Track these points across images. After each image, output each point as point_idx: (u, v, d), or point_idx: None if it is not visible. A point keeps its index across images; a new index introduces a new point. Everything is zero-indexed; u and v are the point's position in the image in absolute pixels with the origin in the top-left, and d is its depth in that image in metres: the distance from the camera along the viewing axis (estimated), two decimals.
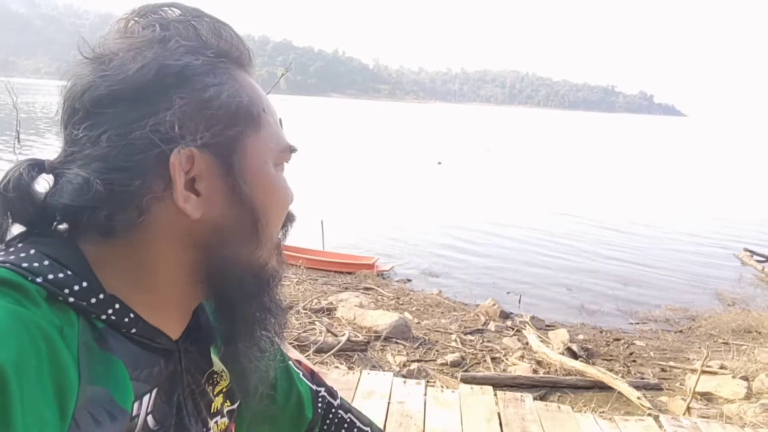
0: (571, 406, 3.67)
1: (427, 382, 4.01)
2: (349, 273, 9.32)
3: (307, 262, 9.12)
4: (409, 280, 9.56)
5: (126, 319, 0.58)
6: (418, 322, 6.80)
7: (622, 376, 5.44)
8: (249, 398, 0.76)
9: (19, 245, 0.59)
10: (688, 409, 4.65)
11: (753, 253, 12.18)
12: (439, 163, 26.81)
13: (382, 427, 2.66)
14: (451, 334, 6.48)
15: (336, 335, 5.75)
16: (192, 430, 0.63)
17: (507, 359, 5.82)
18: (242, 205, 0.61)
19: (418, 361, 5.55)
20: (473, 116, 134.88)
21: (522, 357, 5.88)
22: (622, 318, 8.27)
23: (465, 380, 4.94)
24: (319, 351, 5.30)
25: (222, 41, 0.62)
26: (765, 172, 35.26)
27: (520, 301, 8.58)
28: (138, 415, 0.58)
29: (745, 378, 5.27)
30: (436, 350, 5.93)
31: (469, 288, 9.35)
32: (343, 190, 18.25)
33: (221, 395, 0.74)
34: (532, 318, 7.41)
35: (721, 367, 5.70)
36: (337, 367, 4.82)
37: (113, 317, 0.57)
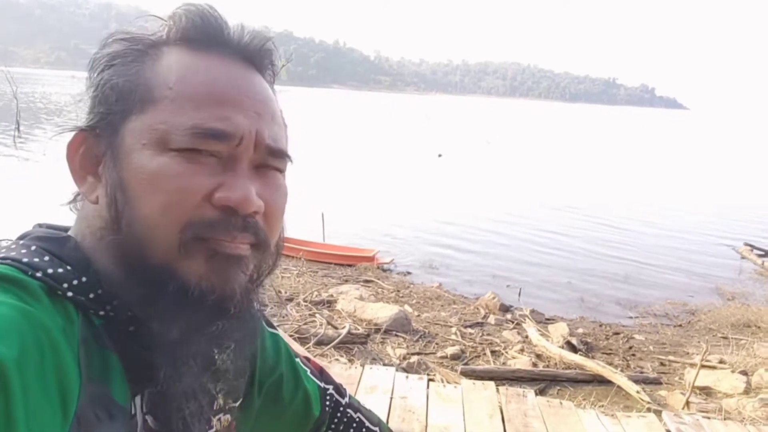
0: (571, 400, 3.68)
1: (428, 376, 4.01)
2: (350, 265, 9.33)
3: (307, 254, 9.13)
4: (409, 273, 9.56)
5: (124, 317, 0.58)
6: (418, 315, 6.81)
7: (622, 370, 5.45)
8: None
9: (20, 242, 0.60)
10: (687, 403, 4.66)
11: (753, 247, 12.18)
12: (440, 155, 26.76)
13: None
14: (451, 327, 6.48)
15: (336, 328, 5.76)
16: (194, 429, 0.62)
17: (507, 352, 5.83)
18: (109, 190, 0.59)
19: (418, 353, 5.55)
20: (474, 108, 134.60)
21: (522, 350, 5.89)
22: (621, 312, 8.28)
23: (465, 373, 4.95)
24: (320, 343, 5.30)
25: (183, 27, 0.61)
26: (765, 166, 35.21)
27: (519, 295, 8.59)
28: (136, 414, 0.58)
29: (744, 372, 5.28)
30: (436, 343, 5.94)
31: (469, 281, 9.36)
32: (344, 182, 18.23)
33: (224, 392, 0.73)
34: (532, 311, 7.42)
35: (721, 362, 5.72)
36: (337, 359, 4.83)
37: (111, 313, 0.57)
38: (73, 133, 0.62)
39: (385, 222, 13.19)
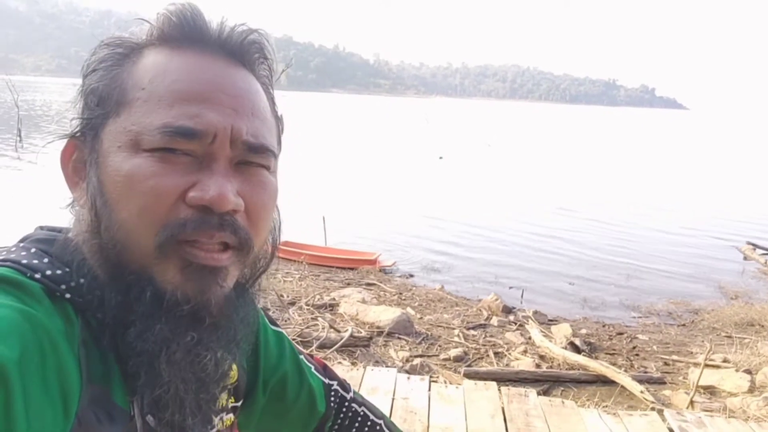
0: (575, 401, 3.67)
1: (431, 377, 4.00)
2: (352, 269, 9.32)
3: (309, 258, 9.13)
4: (412, 276, 9.55)
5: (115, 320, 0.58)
6: (421, 318, 6.80)
7: (625, 370, 5.43)
8: None
9: (21, 244, 0.60)
10: (692, 402, 4.64)
11: (756, 246, 12.15)
12: (441, 157, 26.76)
13: None
14: (453, 329, 6.47)
15: (339, 331, 5.75)
16: (195, 429, 0.62)
17: (510, 354, 5.82)
18: (89, 194, 0.59)
19: (421, 356, 5.55)
20: (474, 111, 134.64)
21: (525, 351, 5.87)
22: (624, 312, 8.26)
23: (468, 375, 4.94)
24: (322, 347, 5.30)
25: (161, 26, 0.61)
26: (766, 165, 35.15)
27: (522, 296, 8.57)
28: (135, 416, 0.58)
29: (749, 371, 5.26)
30: (439, 345, 5.93)
31: (471, 283, 9.34)
32: (345, 186, 18.22)
33: (226, 392, 0.74)
34: (535, 312, 7.40)
35: (724, 361, 5.70)
36: (340, 362, 4.83)
37: (114, 313, 0.57)
38: (66, 141, 0.63)
39: (386, 225, 13.18)
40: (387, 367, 4.59)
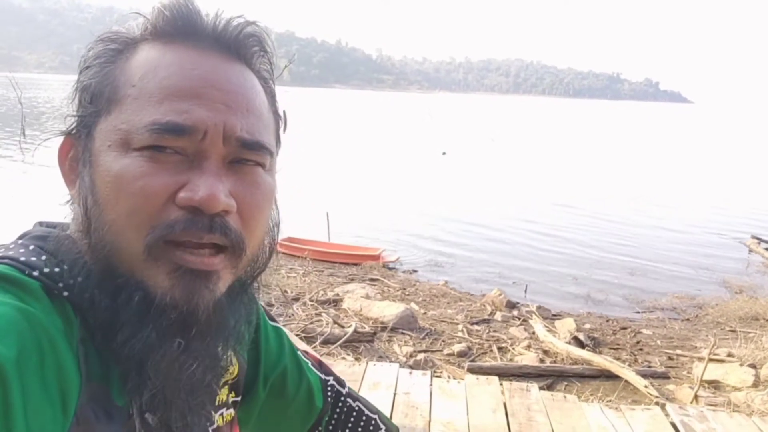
0: (578, 396, 3.67)
1: (434, 372, 4.01)
2: (355, 264, 9.33)
3: (312, 253, 9.14)
4: (415, 271, 9.56)
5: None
6: (425, 313, 6.81)
7: (629, 365, 5.42)
8: None
9: (19, 241, 0.60)
10: (696, 397, 4.64)
11: (761, 240, 12.11)
12: (444, 153, 26.73)
13: None
14: (457, 324, 6.48)
15: (342, 326, 5.76)
16: (195, 426, 0.62)
17: (513, 349, 5.82)
18: (81, 193, 0.58)
19: (425, 351, 5.55)
20: (478, 105, 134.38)
21: (528, 346, 5.87)
22: (628, 307, 8.25)
23: (471, 370, 4.94)
24: (326, 342, 5.31)
25: (154, 21, 0.60)
26: None
27: (526, 291, 8.57)
28: (134, 414, 0.58)
29: (753, 366, 5.25)
30: (443, 340, 5.93)
31: (475, 278, 9.34)
32: (349, 181, 18.22)
33: (226, 387, 0.74)
34: (539, 307, 7.40)
35: (729, 355, 5.68)
36: (344, 358, 4.84)
37: (105, 315, 0.56)
38: (63, 138, 0.63)
39: (390, 220, 13.18)
40: (390, 362, 4.60)
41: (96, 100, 0.58)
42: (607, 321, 7.31)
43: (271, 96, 0.66)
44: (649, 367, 5.60)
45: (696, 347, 6.24)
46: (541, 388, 3.55)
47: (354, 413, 0.94)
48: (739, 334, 6.58)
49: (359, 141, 32.60)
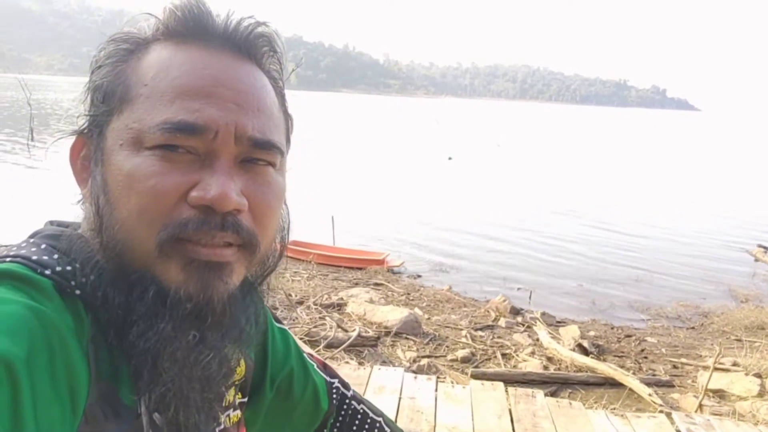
0: (583, 403, 3.65)
1: (438, 377, 4.00)
2: (360, 268, 9.32)
3: (317, 257, 9.14)
4: (419, 276, 9.55)
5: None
6: (429, 318, 6.79)
7: (634, 373, 5.40)
8: None
9: (31, 240, 0.60)
10: (700, 406, 4.61)
11: (767, 249, 12.04)
12: (450, 158, 26.71)
13: None
14: (461, 329, 6.46)
15: (346, 330, 5.76)
16: (201, 427, 0.62)
17: (517, 355, 5.80)
18: (93, 192, 0.59)
19: (429, 356, 5.54)
20: (484, 111, 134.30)
21: (532, 353, 5.85)
22: (633, 314, 8.21)
23: (475, 376, 4.93)
24: (330, 346, 5.30)
25: (166, 21, 0.61)
26: None
27: (530, 297, 8.54)
28: (142, 414, 0.58)
29: (758, 375, 5.22)
30: (447, 346, 5.92)
31: (479, 284, 9.32)
32: (354, 185, 18.23)
33: (233, 387, 0.74)
34: (543, 314, 7.37)
35: (734, 364, 5.65)
36: (347, 362, 4.83)
37: (119, 311, 0.57)
38: (75, 137, 0.63)
39: (395, 225, 13.18)
40: (394, 366, 4.59)
41: (108, 99, 0.59)
42: (612, 328, 7.28)
43: (281, 96, 0.66)
44: (654, 375, 5.57)
45: (701, 356, 6.20)
46: (545, 395, 3.53)
47: (359, 416, 0.94)
48: (745, 343, 6.54)
49: (365, 145, 32.61)
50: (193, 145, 0.56)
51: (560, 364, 5.61)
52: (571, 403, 3.38)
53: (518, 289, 9.06)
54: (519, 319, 7.18)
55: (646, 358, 6.12)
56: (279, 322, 0.88)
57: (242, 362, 0.75)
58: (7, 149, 20.74)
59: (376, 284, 8.29)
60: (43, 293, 0.53)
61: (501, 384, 3.58)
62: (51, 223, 0.65)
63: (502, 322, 6.92)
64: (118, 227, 0.55)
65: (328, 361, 1.08)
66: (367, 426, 0.94)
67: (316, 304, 6.54)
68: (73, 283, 0.56)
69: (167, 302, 0.55)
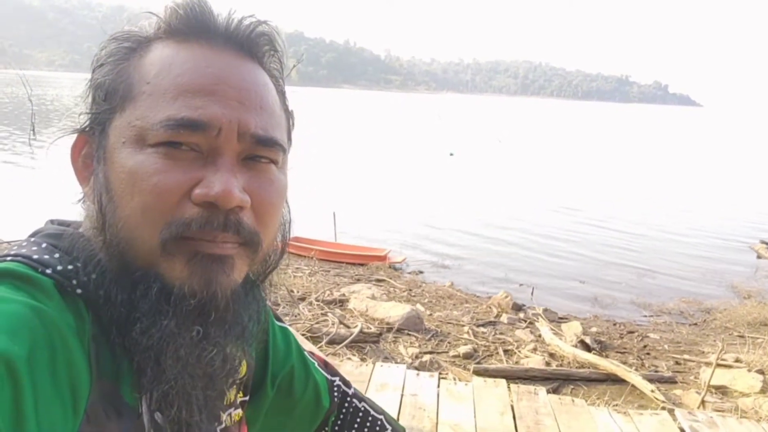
0: (585, 399, 3.65)
1: (440, 374, 4.00)
2: (362, 265, 9.33)
3: (319, 253, 9.14)
4: (421, 272, 9.55)
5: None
6: (431, 314, 6.80)
7: (636, 369, 5.40)
8: None
9: (32, 239, 0.60)
10: (703, 402, 4.61)
11: None
12: (451, 154, 26.71)
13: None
14: (463, 326, 6.46)
15: (348, 327, 5.76)
16: (203, 426, 0.62)
17: (519, 351, 5.80)
18: (96, 190, 0.59)
19: (431, 352, 5.54)
20: (485, 107, 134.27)
21: (535, 349, 5.85)
22: (635, 310, 8.21)
23: (477, 372, 4.93)
24: (332, 342, 5.31)
25: (168, 20, 0.61)
26: None
27: (532, 294, 8.53)
28: (143, 413, 0.58)
29: (761, 371, 5.22)
30: (449, 342, 5.92)
31: (481, 280, 9.32)
32: (356, 181, 18.24)
33: (234, 386, 0.73)
34: (545, 310, 7.37)
35: (737, 361, 5.65)
36: (349, 358, 4.84)
37: (121, 309, 0.57)
38: (76, 136, 0.63)
39: (397, 221, 13.18)
40: (396, 363, 4.59)
41: (110, 97, 0.59)
42: (614, 324, 7.28)
43: (282, 94, 0.67)
44: (656, 371, 5.57)
45: (703, 352, 6.20)
46: (547, 392, 3.53)
47: (360, 413, 0.94)
48: (748, 339, 6.54)
49: (367, 141, 32.63)
50: (196, 142, 0.56)
51: (562, 361, 5.61)
52: (573, 400, 3.38)
53: (520, 285, 9.05)
54: (521, 315, 7.18)
55: (648, 354, 6.13)
56: (280, 320, 0.88)
57: (244, 361, 0.75)
58: (8, 146, 20.74)
59: (378, 280, 8.30)
60: (44, 292, 0.53)
61: (503, 381, 3.58)
62: (52, 222, 0.65)
63: (504, 318, 6.92)
64: (121, 225, 0.55)
65: (329, 358, 1.07)
66: (368, 424, 0.94)
67: (318, 300, 6.55)
68: (74, 282, 0.56)
69: (171, 299, 0.55)
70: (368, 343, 5.56)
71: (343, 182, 17.58)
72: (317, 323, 5.74)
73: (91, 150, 0.61)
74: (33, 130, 22.04)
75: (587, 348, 5.88)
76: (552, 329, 6.37)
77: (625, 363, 5.53)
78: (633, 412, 3.35)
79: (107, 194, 0.57)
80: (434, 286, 8.50)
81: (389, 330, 5.91)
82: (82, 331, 0.54)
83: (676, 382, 5.35)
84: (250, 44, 0.62)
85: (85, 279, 0.56)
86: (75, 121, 0.63)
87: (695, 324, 7.57)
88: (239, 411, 0.75)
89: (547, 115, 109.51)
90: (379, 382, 3.40)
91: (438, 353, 5.59)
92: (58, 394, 0.48)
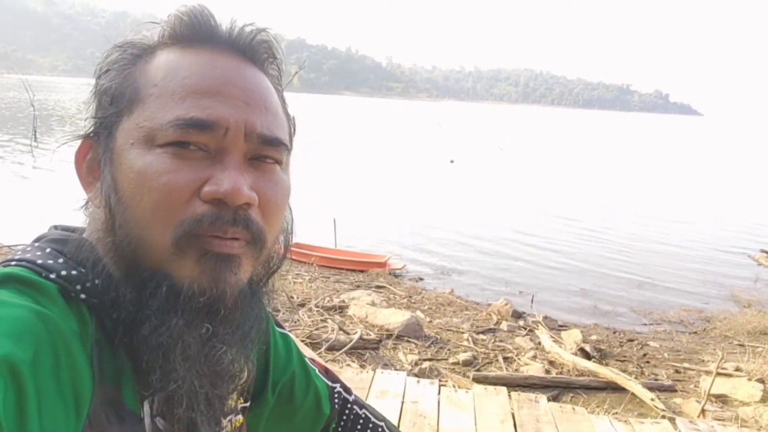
0: (585, 407, 3.64)
1: (440, 381, 3.99)
2: (362, 271, 9.32)
3: (319, 260, 9.14)
4: (421, 279, 9.54)
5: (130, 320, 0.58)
6: (430, 321, 6.79)
7: (636, 377, 5.39)
8: None
9: (36, 244, 0.60)
10: (703, 411, 4.60)
11: None
12: (452, 161, 26.73)
13: None
14: (463, 333, 6.45)
15: (348, 333, 5.75)
16: (205, 429, 0.63)
17: (519, 359, 5.79)
18: (104, 192, 0.59)
19: (430, 359, 5.53)
20: (487, 115, 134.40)
21: (534, 357, 5.84)
22: (635, 319, 8.20)
23: (477, 380, 4.92)
24: (331, 349, 5.30)
25: (172, 26, 0.62)
26: None
27: (532, 301, 8.53)
28: (145, 418, 0.58)
29: (761, 380, 5.20)
30: (448, 349, 5.91)
31: (481, 287, 9.31)
32: (356, 188, 18.24)
33: (235, 392, 0.73)
34: (545, 318, 7.36)
35: (737, 369, 5.64)
36: (349, 365, 4.83)
37: (122, 316, 0.57)
38: (80, 141, 0.64)
39: (397, 228, 13.18)
40: (396, 370, 4.58)
41: (117, 101, 0.60)
42: (614, 333, 7.27)
43: (282, 99, 0.68)
44: (656, 380, 5.56)
45: (703, 361, 6.19)
46: (547, 400, 3.52)
47: (361, 420, 0.94)
48: (748, 348, 6.53)
49: (368, 148, 32.65)
50: (204, 142, 0.57)
51: (562, 368, 5.60)
52: (574, 408, 3.37)
53: (520, 292, 9.05)
54: (521, 322, 7.17)
55: (648, 362, 6.11)
56: (280, 326, 0.88)
57: (245, 366, 0.75)
58: (10, 151, 20.74)
59: (378, 287, 8.29)
60: (47, 297, 0.53)
61: (504, 388, 3.57)
62: (55, 227, 0.65)
63: (504, 325, 6.92)
64: (131, 225, 0.56)
65: (329, 364, 1.08)
66: (369, 431, 0.94)
67: (317, 307, 6.54)
68: (78, 287, 0.56)
69: (180, 297, 0.56)
70: (368, 349, 5.55)
71: (343, 189, 17.59)
72: (317, 329, 5.73)
73: (95, 155, 0.62)
74: (35, 135, 22.06)
75: (587, 356, 5.87)
76: (552, 337, 6.36)
77: (624, 371, 5.52)
78: (634, 420, 3.34)
79: (116, 195, 0.57)
80: (434, 293, 8.49)
81: (389, 337, 5.91)
82: (85, 335, 0.54)
83: (676, 391, 5.34)
84: (252, 50, 0.64)
85: (89, 284, 0.56)
86: (78, 127, 0.64)
87: (695, 333, 7.56)
88: (240, 417, 0.75)
89: (548, 123, 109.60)
90: (379, 389, 3.39)
91: (437, 360, 5.58)
92: (62, 399, 0.48)
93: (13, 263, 0.56)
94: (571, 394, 5.09)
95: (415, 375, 4.58)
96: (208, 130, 0.57)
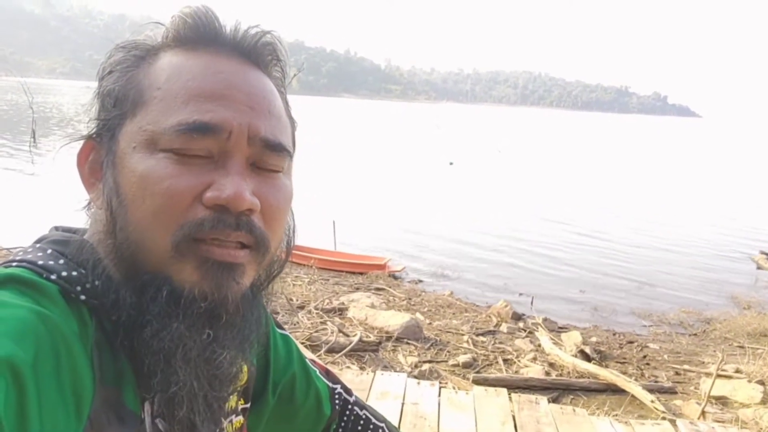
0: (585, 409, 3.63)
1: (440, 383, 3.99)
2: (361, 273, 9.32)
3: (318, 262, 9.13)
4: (421, 281, 9.54)
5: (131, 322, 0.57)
6: (430, 323, 6.78)
7: (636, 379, 5.38)
8: None
9: (37, 245, 0.60)
10: (703, 413, 4.60)
11: None
12: (451, 163, 26.76)
13: None
14: (462, 335, 6.45)
15: (348, 335, 5.75)
16: (205, 431, 0.62)
17: (519, 361, 5.79)
18: (105, 194, 0.59)
19: (430, 361, 5.53)
20: (485, 117, 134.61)
21: (534, 359, 5.84)
22: (635, 320, 8.20)
23: (477, 381, 4.92)
24: (331, 351, 5.29)
25: (176, 28, 0.62)
26: None
27: (532, 303, 8.52)
28: (145, 420, 0.58)
29: (761, 382, 5.21)
30: (448, 351, 5.91)
31: (480, 289, 9.31)
32: (355, 190, 18.25)
33: (236, 393, 0.73)
34: (545, 320, 7.36)
35: (737, 371, 5.64)
36: (348, 367, 4.82)
37: (123, 317, 0.57)
38: (82, 142, 0.64)
39: (396, 230, 13.18)
40: (396, 372, 4.58)
41: (120, 103, 0.60)
42: (614, 334, 7.27)
43: (286, 102, 0.68)
44: (656, 381, 5.55)
45: (703, 362, 6.19)
46: (547, 401, 3.52)
47: (361, 422, 0.94)
48: (748, 350, 6.53)
49: (367, 150, 32.67)
50: (208, 146, 0.57)
51: (562, 370, 5.60)
52: (574, 410, 3.36)
53: (520, 294, 9.04)
54: (521, 324, 7.17)
55: (648, 364, 6.11)
56: (281, 327, 0.88)
57: (245, 368, 0.75)
58: (9, 153, 20.73)
59: (378, 289, 8.29)
60: (48, 298, 0.53)
61: (504, 390, 3.57)
62: (56, 228, 0.65)
63: (503, 327, 6.91)
64: (132, 228, 0.56)
65: (329, 366, 1.07)
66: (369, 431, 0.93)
67: (317, 309, 6.54)
68: (78, 288, 0.56)
69: (181, 302, 0.55)
70: (367, 351, 5.55)
71: (343, 191, 17.60)
72: (316, 332, 5.73)
73: (98, 156, 0.62)
74: (33, 137, 22.06)
75: (587, 358, 5.86)
76: (552, 339, 6.36)
77: (624, 373, 5.52)
78: (634, 422, 3.34)
79: (117, 198, 0.57)
80: (434, 295, 8.49)
81: (388, 339, 5.90)
82: (86, 337, 0.54)
83: (676, 393, 5.34)
84: (256, 53, 0.63)
85: (89, 286, 0.56)
86: (78, 130, 0.63)
87: (695, 334, 7.56)
88: (240, 418, 0.75)
89: (546, 125, 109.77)
90: (379, 391, 3.39)
91: (437, 362, 5.57)
92: (62, 400, 0.48)
93: (14, 264, 0.56)
94: (571, 396, 5.09)
95: (415, 377, 4.58)
96: (210, 133, 0.56)
